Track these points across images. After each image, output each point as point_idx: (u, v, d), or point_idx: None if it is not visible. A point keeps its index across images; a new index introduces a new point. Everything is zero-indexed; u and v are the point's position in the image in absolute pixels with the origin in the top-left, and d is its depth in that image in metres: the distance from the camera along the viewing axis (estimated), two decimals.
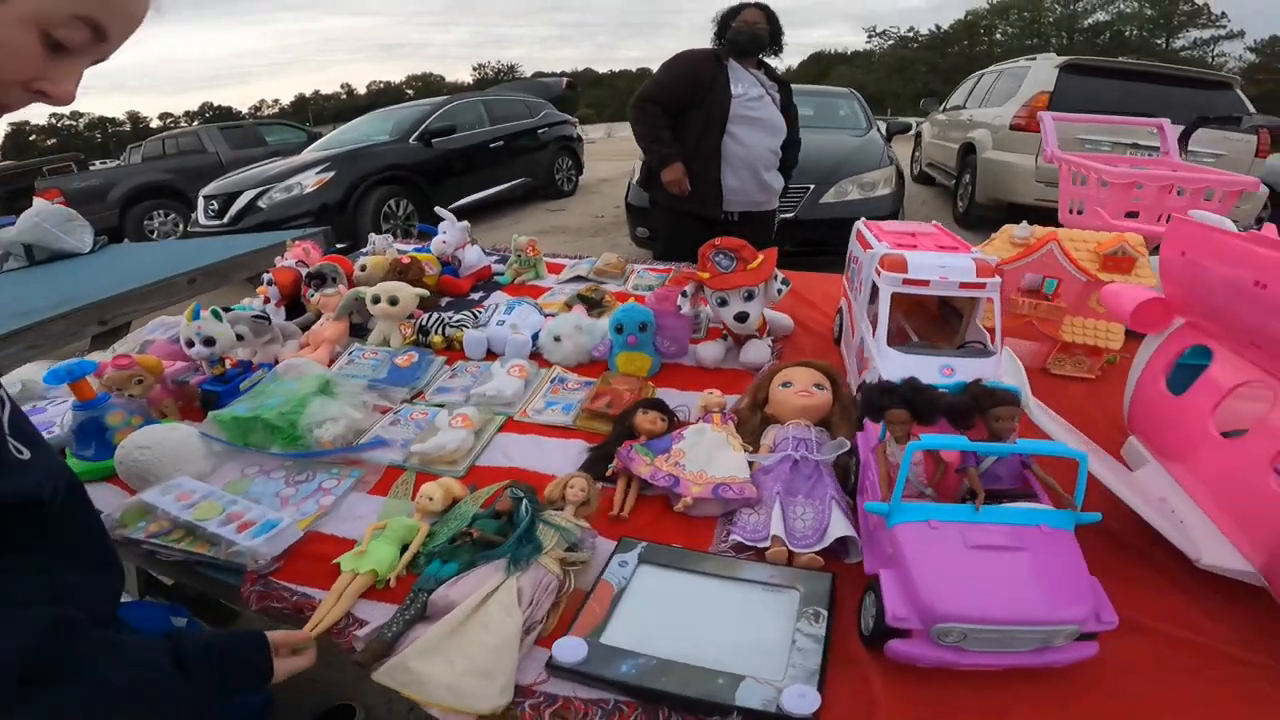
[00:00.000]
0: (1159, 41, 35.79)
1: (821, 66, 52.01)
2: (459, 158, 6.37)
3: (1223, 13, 34.94)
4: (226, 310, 1.46)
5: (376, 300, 1.44)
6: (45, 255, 3.19)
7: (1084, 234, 1.29)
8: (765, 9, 2.41)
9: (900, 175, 4.36)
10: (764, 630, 0.72)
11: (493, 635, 0.70)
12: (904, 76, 39.83)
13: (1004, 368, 0.91)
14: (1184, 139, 3.57)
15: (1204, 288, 0.81)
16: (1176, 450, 0.87)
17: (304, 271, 1.67)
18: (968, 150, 5.88)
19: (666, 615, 0.75)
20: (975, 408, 0.75)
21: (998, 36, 40.65)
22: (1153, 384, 0.92)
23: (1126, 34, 36.61)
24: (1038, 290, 1.31)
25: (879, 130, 5.02)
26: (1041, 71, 5.04)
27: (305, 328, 1.56)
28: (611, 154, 12.63)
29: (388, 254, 1.78)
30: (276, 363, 1.38)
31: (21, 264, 3.12)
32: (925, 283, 0.98)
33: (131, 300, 2.45)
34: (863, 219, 1.30)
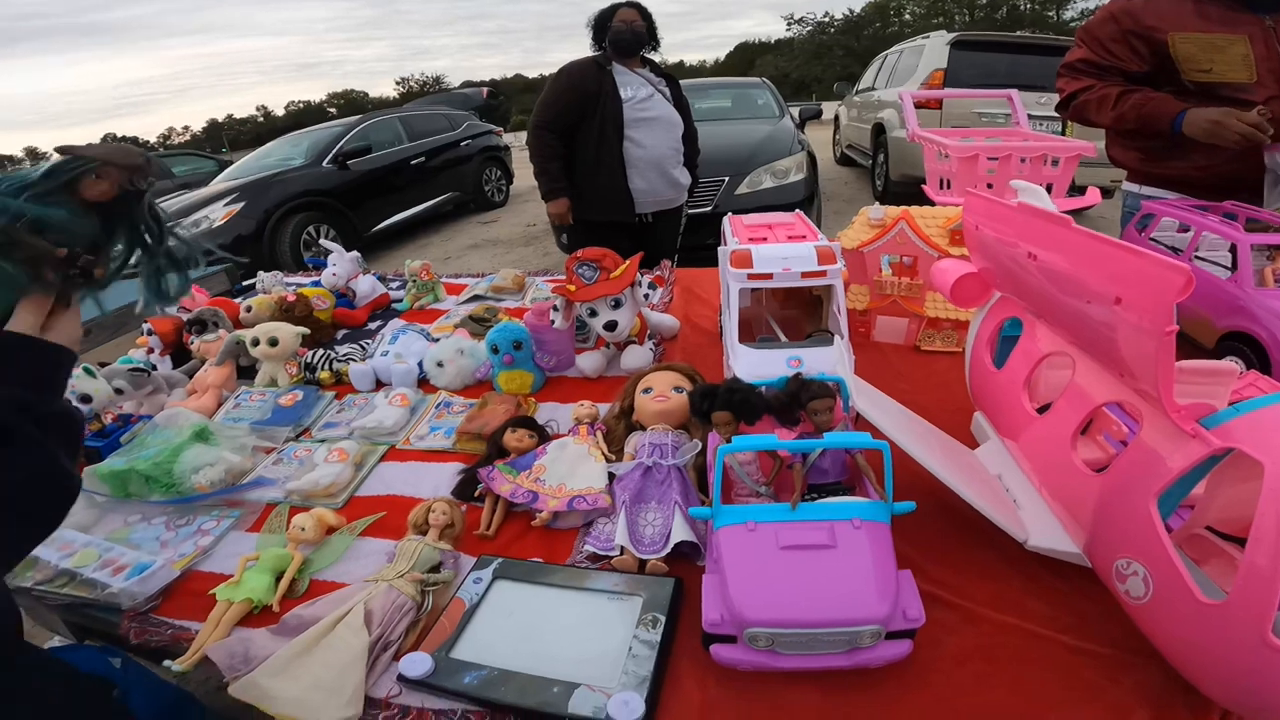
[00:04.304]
0: (1050, 14, 37.50)
1: (747, 56, 52.67)
2: (379, 178, 6.23)
3: None
4: (103, 366, 1.43)
5: (256, 343, 1.41)
6: None
7: (934, 210, 1.35)
8: (638, 6, 2.44)
9: (813, 160, 4.46)
10: (604, 639, 0.74)
11: (338, 654, 0.73)
12: (823, 62, 40.63)
13: (838, 356, 0.94)
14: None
15: (999, 259, 0.85)
16: (1006, 426, 0.90)
17: (184, 318, 1.63)
18: (880, 130, 6.07)
19: (516, 627, 0.77)
20: (795, 403, 0.78)
21: (906, 17, 41.92)
22: (979, 359, 0.95)
23: (1021, 8, 38.27)
24: (910, 268, 1.36)
25: (791, 117, 5.13)
26: (935, 49, 5.23)
27: (192, 374, 1.52)
28: None
29: (274, 292, 1.75)
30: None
31: None
32: (769, 276, 1.01)
33: None
34: (729, 215, 1.34)
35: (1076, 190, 1.50)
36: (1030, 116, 1.75)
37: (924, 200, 1.52)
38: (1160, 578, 0.59)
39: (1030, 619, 0.73)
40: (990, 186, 1.53)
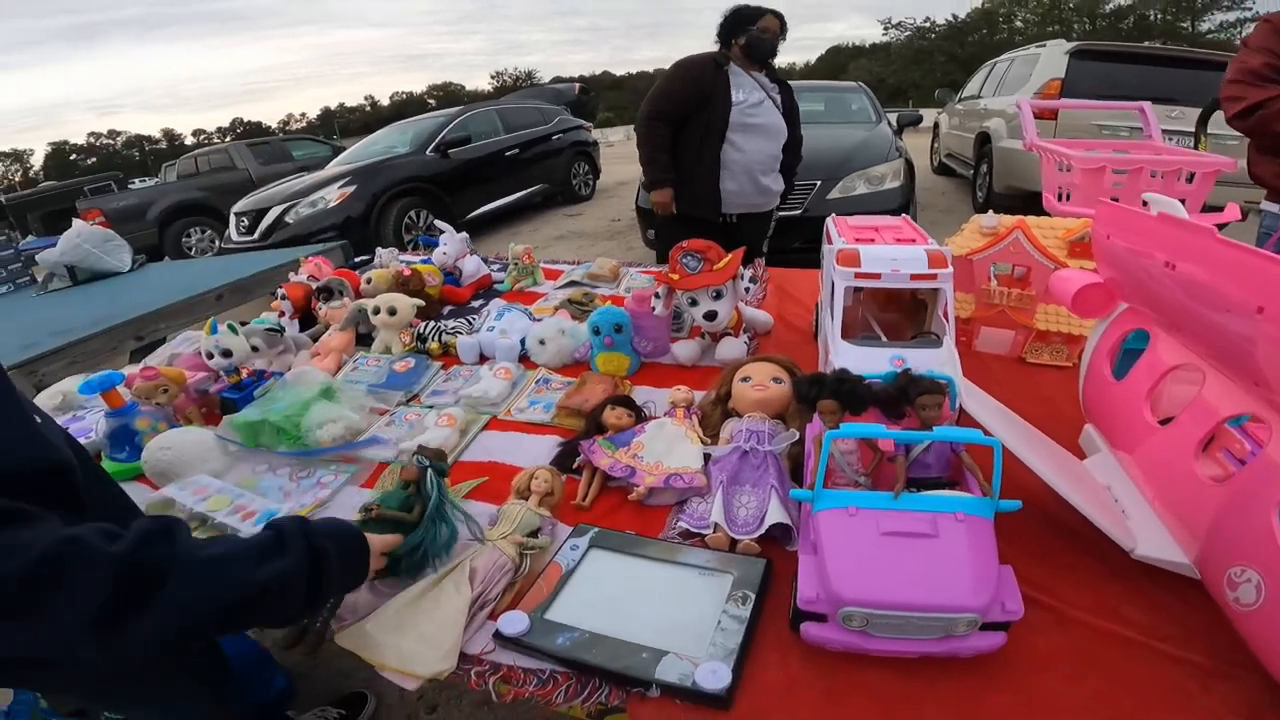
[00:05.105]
0: (1184, 25, 34.67)
1: (840, 60, 51.43)
2: (476, 167, 6.49)
3: None
4: (242, 324, 1.58)
5: (377, 311, 1.53)
6: (87, 275, 3.38)
7: (1051, 221, 1.31)
8: (780, 16, 2.42)
9: (910, 167, 4.33)
10: (694, 611, 0.77)
11: (441, 609, 0.78)
12: (922, 68, 39.19)
13: (946, 357, 0.94)
14: (1202, 121, 3.51)
15: (1131, 270, 0.83)
16: (1121, 438, 0.88)
17: (314, 286, 1.78)
18: (984, 140, 5.82)
19: (608, 594, 0.81)
20: (903, 397, 0.78)
21: (1017, 24, 39.77)
22: (1098, 370, 0.93)
23: (1150, 18, 35.53)
24: (1022, 279, 1.32)
25: (889, 123, 4.99)
26: (1052, 58, 4.98)
27: (316, 338, 1.66)
28: (631, 156, 12.59)
29: (391, 267, 1.88)
30: (289, 371, 1.48)
31: (65, 284, 3.32)
32: (876, 276, 1.02)
33: (165, 316, 2.60)
34: (832, 215, 1.34)
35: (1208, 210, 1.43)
36: (1166, 132, 1.66)
37: (1029, 213, 1.47)
38: (1273, 583, 0.59)
39: (1127, 626, 0.73)
40: (1116, 200, 1.47)
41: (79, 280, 3.34)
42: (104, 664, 0.79)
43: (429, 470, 0.90)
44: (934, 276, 1.01)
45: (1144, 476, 0.82)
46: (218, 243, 7.30)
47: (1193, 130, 3.72)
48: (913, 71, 39.08)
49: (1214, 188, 1.37)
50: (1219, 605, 0.67)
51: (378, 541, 0.80)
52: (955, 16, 43.36)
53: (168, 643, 0.60)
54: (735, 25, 2.38)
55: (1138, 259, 0.79)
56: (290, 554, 0.67)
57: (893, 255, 1.03)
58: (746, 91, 2.38)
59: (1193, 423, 0.75)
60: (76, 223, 3.46)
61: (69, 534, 0.56)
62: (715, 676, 0.67)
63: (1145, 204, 0.90)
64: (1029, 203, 4.29)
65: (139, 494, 1.14)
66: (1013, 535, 0.81)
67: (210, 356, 1.45)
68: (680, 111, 2.41)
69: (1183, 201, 1.33)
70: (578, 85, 12.07)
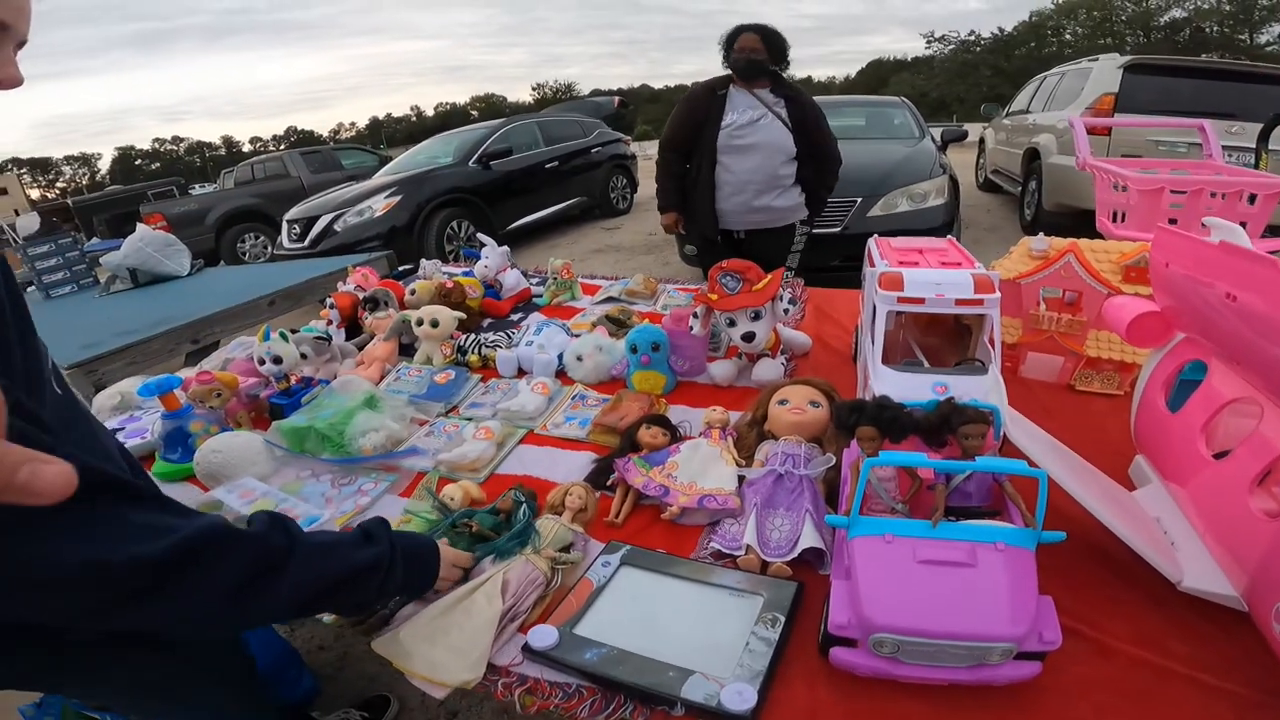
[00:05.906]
0: (1242, 38, 33.41)
1: (880, 74, 50.94)
2: (517, 179, 6.59)
3: None
4: (293, 332, 1.63)
5: (420, 323, 1.57)
6: (148, 278, 3.54)
7: (1105, 244, 1.27)
8: (761, 31, 2.44)
9: (955, 185, 4.25)
10: (722, 631, 0.77)
11: (472, 619, 0.79)
12: (967, 81, 38.56)
13: (991, 385, 0.92)
14: (1264, 137, 3.37)
15: (1189, 299, 0.81)
16: (1173, 470, 0.86)
17: (361, 296, 1.83)
18: (1033, 156, 5.68)
19: (638, 612, 0.81)
20: (945, 426, 0.77)
21: (1067, 37, 38.84)
22: (1152, 401, 0.90)
23: (1207, 31, 34.31)
24: (1073, 303, 1.28)
25: (933, 139, 4.91)
26: (1105, 73, 4.84)
27: (361, 347, 1.71)
28: None
29: (434, 279, 1.92)
30: (334, 379, 1.53)
31: (127, 286, 3.48)
32: (920, 300, 1.00)
33: (220, 320, 2.72)
34: (875, 236, 1.32)
35: (1271, 231, 1.37)
36: (1229, 149, 1.60)
37: (1080, 232, 1.43)
38: None
39: (1169, 657, 0.71)
40: (1174, 222, 1.42)
41: (140, 283, 3.50)
42: (212, 636, 0.94)
43: (523, 505, 0.99)
44: (980, 302, 0.98)
45: (1196, 509, 0.80)
46: (270, 249, 7.55)
47: (1253, 146, 3.59)
48: (957, 85, 38.51)
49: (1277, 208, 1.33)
50: (1266, 639, 0.65)
51: (452, 554, 0.87)
52: (1001, 29, 42.60)
53: (281, 616, 0.73)
54: (725, 48, 2.50)
55: (1197, 289, 0.76)
56: (378, 545, 0.77)
57: (937, 279, 1.01)
58: (739, 113, 2.45)
59: (1250, 457, 0.72)
60: (140, 227, 3.63)
61: (212, 519, 0.63)
62: (741, 698, 0.67)
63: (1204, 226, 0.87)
64: (1079, 221, 4.17)
65: (189, 495, 1.19)
66: (1055, 565, 0.79)
67: (261, 363, 1.51)
68: (684, 141, 2.56)
69: (1243, 225, 1.29)
70: (617, 99, 12.12)
